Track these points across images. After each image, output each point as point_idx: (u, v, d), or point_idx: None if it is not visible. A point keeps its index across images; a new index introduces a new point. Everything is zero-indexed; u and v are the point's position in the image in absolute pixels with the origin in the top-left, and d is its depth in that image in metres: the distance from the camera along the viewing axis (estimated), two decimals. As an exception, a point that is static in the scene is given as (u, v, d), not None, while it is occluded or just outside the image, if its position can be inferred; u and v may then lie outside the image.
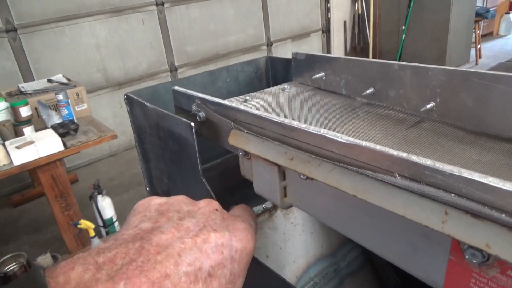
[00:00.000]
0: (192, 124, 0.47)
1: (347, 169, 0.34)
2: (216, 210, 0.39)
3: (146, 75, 4.09)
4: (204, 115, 0.51)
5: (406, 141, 0.47)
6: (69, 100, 2.52)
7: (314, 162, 0.36)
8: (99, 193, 2.56)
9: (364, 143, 0.32)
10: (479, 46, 5.71)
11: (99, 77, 3.81)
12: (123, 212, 2.91)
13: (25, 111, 2.41)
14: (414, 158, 0.28)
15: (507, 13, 7.24)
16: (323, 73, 0.65)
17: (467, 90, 0.47)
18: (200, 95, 0.51)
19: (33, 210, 3.28)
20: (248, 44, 4.79)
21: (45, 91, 2.78)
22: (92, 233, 2.32)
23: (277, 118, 0.41)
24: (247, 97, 0.64)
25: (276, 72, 0.78)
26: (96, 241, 2.34)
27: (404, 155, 0.29)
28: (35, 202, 3.39)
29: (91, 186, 2.59)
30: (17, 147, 2.12)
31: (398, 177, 0.29)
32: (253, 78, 0.78)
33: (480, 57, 5.75)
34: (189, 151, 0.49)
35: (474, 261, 0.27)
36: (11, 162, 2.11)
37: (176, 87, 0.56)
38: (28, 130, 2.39)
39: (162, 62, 4.18)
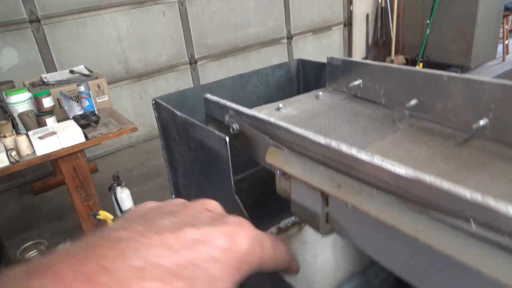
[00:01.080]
0: (227, 139, 0.45)
1: (407, 205, 0.31)
2: (208, 210, 0.33)
3: (166, 67, 4.09)
4: (238, 127, 0.48)
5: (455, 160, 0.44)
6: (90, 92, 2.54)
7: (366, 193, 0.33)
8: (118, 184, 2.58)
9: (428, 178, 0.29)
10: (506, 42, 5.51)
11: (120, 68, 3.82)
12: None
13: (47, 102, 2.44)
14: (492, 203, 0.25)
15: (538, 7, 6.94)
16: (360, 81, 0.61)
17: (527, 108, 0.43)
18: (234, 106, 0.48)
19: (54, 198, 3.34)
20: (268, 37, 4.73)
21: (67, 82, 2.80)
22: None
23: (323, 140, 0.37)
24: (280, 105, 0.61)
25: (307, 76, 0.75)
26: (115, 233, 2.37)
27: (479, 198, 0.25)
28: (56, 191, 3.45)
29: (110, 177, 2.62)
30: (40, 138, 2.15)
31: (474, 226, 0.26)
32: (284, 82, 0.75)
33: (507, 53, 5.55)
34: (221, 165, 0.46)
35: None
36: (34, 152, 2.14)
37: (208, 95, 0.53)
38: (50, 121, 2.42)
39: (182, 54, 4.17)
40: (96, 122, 2.36)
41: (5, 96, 2.40)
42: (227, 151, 0.44)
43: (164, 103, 0.58)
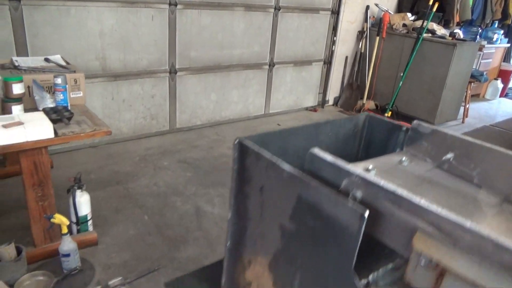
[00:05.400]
0: (366, 215, 0.39)
1: None
2: None
3: (145, 72, 3.97)
4: (360, 196, 0.42)
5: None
6: (67, 86, 2.38)
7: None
8: (79, 187, 2.42)
9: None
10: (467, 106, 5.91)
11: (96, 65, 3.66)
12: (96, 211, 2.75)
13: (18, 88, 2.26)
14: None
15: (496, 79, 7.57)
16: (452, 154, 0.59)
17: None
18: (360, 173, 0.42)
19: (-2, 191, 3.06)
20: (252, 61, 4.75)
21: (41, 70, 2.62)
22: (65, 230, 2.18)
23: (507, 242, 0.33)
24: (369, 166, 0.57)
25: (373, 133, 0.73)
26: (66, 240, 2.18)
27: None
28: (2, 182, 3.16)
29: (71, 179, 2.44)
30: (4, 126, 1.97)
31: None
32: (350, 135, 0.73)
33: (467, 116, 5.95)
34: (341, 236, 0.40)
35: None
36: (-6, 140, 1.94)
37: (317, 151, 0.48)
38: (17, 109, 2.24)
39: (163, 62, 4.08)
40: (69, 118, 2.21)
41: (-30, 74, 2.20)
42: (361, 227, 0.39)
43: (256, 150, 0.51)
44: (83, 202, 2.43)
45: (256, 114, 5.11)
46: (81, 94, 2.62)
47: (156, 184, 3.31)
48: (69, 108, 2.36)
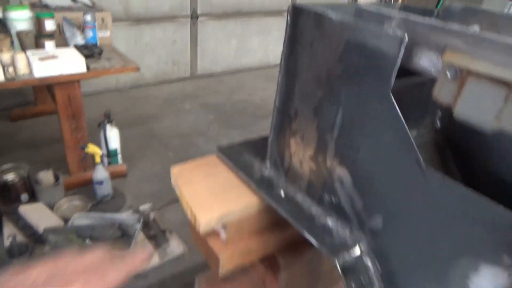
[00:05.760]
0: (406, 38, 0.47)
1: None
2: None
3: (167, 16, 3.99)
4: (402, 36, 0.50)
5: None
6: (96, 23, 2.46)
7: None
8: (109, 122, 2.56)
9: None
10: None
11: (119, 9, 3.70)
12: (124, 148, 2.90)
13: (50, 25, 2.35)
14: None
15: (526, 32, 7.26)
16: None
17: None
18: (400, 15, 0.50)
19: (31, 128, 3.25)
20: (273, 7, 4.70)
21: (69, 9, 2.70)
22: (98, 160, 2.34)
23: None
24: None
25: None
26: (100, 168, 2.35)
27: None
28: (35, 120, 3.35)
29: (102, 114, 2.59)
30: (40, 59, 2.08)
31: None
32: None
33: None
34: (382, 66, 0.48)
35: None
36: (31, 72, 2.07)
37: (363, 6, 0.56)
38: (50, 45, 2.34)
39: (184, 7, 4.08)
40: (99, 54, 2.31)
41: (5, 11, 2.29)
42: (400, 49, 0.47)
43: (309, 9, 0.60)
44: (113, 136, 2.59)
45: (276, 62, 5.11)
46: (108, 34, 2.70)
47: (180, 125, 3.45)
48: (98, 45, 2.45)
